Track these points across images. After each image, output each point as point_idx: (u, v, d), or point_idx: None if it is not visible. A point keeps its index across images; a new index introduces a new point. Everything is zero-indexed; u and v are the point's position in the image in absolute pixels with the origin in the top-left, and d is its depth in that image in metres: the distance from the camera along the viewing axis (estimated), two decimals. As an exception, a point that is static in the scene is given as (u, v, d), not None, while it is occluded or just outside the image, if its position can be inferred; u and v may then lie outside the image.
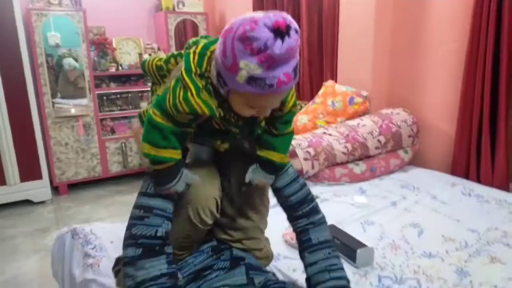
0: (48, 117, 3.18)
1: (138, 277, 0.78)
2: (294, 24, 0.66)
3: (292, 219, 1.02)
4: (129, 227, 0.84)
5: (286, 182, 1.00)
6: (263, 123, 0.90)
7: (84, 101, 3.28)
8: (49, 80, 3.14)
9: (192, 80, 0.75)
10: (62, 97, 3.20)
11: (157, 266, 0.79)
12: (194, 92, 0.76)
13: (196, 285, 0.89)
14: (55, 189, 3.33)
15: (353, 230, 1.52)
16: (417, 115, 2.34)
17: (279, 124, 0.91)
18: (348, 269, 1.30)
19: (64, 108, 3.21)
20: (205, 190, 0.92)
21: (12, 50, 2.86)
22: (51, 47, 3.11)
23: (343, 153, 2.08)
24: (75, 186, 3.44)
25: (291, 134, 0.96)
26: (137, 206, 0.86)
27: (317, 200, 1.83)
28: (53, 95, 3.17)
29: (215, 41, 0.77)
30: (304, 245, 0.99)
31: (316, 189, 1.98)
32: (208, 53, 0.77)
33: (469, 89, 2.06)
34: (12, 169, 2.98)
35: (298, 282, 1.21)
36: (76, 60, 3.21)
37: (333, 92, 2.49)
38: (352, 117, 2.38)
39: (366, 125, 2.22)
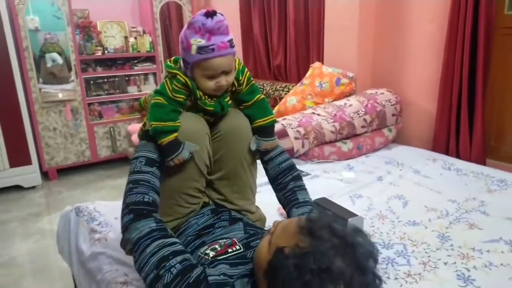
0: (35, 102, 3.16)
1: (134, 238, 0.87)
2: (220, 12, 0.98)
3: (280, 183, 1.19)
4: (123, 201, 0.97)
5: (277, 152, 1.22)
6: (229, 101, 1.14)
7: (70, 85, 3.26)
8: (35, 64, 3.11)
9: (174, 69, 1.08)
10: (45, 83, 3.17)
11: (147, 224, 0.88)
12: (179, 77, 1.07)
13: (201, 240, 1.00)
14: (45, 175, 3.34)
15: (343, 203, 1.61)
16: (400, 95, 2.44)
17: (245, 96, 1.15)
18: (340, 237, 1.40)
19: (51, 93, 3.19)
20: (197, 127, 1.08)
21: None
22: (31, 32, 3.05)
23: (332, 132, 2.17)
24: (65, 171, 3.45)
25: (263, 99, 1.17)
26: (127, 183, 0.99)
27: (308, 177, 1.95)
28: (39, 80, 3.14)
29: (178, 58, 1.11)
30: (292, 203, 1.15)
31: (306, 167, 2.07)
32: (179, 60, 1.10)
33: (448, 68, 2.17)
34: (1, 155, 2.97)
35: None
36: (60, 54, 3.16)
37: (320, 74, 2.56)
38: (339, 97, 2.46)
39: (353, 105, 2.31)
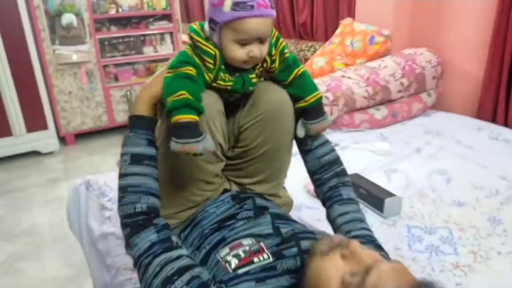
0: (50, 65, 3.04)
1: (135, 255, 0.75)
2: None
3: (319, 179, 0.99)
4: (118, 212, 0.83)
5: (320, 142, 0.99)
6: (254, 79, 0.91)
7: (85, 46, 3.11)
8: (47, 25, 2.96)
9: (203, 39, 0.86)
10: (61, 44, 3.04)
11: (146, 238, 0.76)
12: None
13: (221, 234, 0.84)
14: (62, 140, 3.28)
15: (377, 179, 1.45)
16: (442, 55, 2.18)
17: (281, 75, 0.93)
18: (375, 219, 1.25)
19: (65, 55, 3.06)
20: (208, 103, 0.87)
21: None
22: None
23: (364, 97, 1.96)
24: (82, 136, 3.38)
25: (302, 73, 0.94)
26: (117, 190, 0.84)
27: (337, 148, 1.77)
28: (52, 41, 3.00)
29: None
30: (334, 199, 0.96)
31: (334, 136, 1.89)
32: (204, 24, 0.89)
33: (501, 26, 1.89)
34: (17, 120, 2.90)
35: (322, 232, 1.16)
36: (77, 15, 3.00)
37: (351, 31, 2.31)
38: (372, 58, 2.22)
39: (388, 66, 2.07)
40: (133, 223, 0.78)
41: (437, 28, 2.24)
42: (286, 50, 0.93)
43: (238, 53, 0.83)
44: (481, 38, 2.02)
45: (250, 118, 0.93)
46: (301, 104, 0.93)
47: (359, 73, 2.05)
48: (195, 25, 0.87)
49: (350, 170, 1.46)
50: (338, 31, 2.40)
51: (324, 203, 0.99)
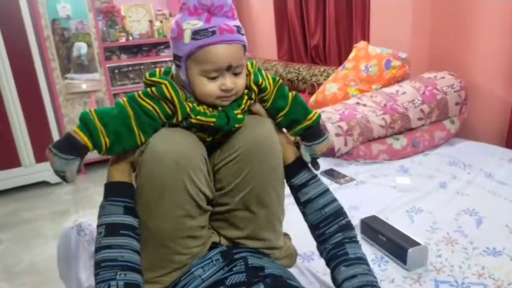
0: (59, 94, 3.02)
1: None
2: None
3: (322, 234, 0.86)
4: None
5: (319, 191, 0.87)
6: (240, 115, 0.81)
7: (94, 75, 3.09)
8: (57, 55, 2.96)
9: (154, 75, 0.81)
10: (75, 72, 3.04)
11: None
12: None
13: None
14: (72, 169, 3.23)
15: (398, 221, 1.29)
16: (465, 79, 2.02)
17: (280, 102, 0.86)
18: (397, 271, 1.09)
19: (75, 84, 3.04)
20: (187, 148, 0.77)
21: (16, 24, 2.67)
22: (64, 20, 2.92)
23: (381, 126, 1.82)
24: (92, 165, 3.32)
25: (296, 95, 0.88)
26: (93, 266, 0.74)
27: (353, 183, 1.62)
28: (64, 71, 2.99)
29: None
30: (339, 259, 0.82)
31: (350, 170, 1.74)
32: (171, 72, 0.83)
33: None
34: (26, 150, 2.87)
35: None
36: (89, 45, 3.03)
37: (366, 55, 2.19)
38: (389, 83, 2.09)
39: (407, 92, 1.93)
40: None
41: (458, 49, 2.10)
42: (276, 78, 0.85)
43: (208, 87, 0.75)
44: (508, 58, 1.87)
45: (225, 155, 0.82)
46: (306, 123, 0.86)
47: (375, 100, 1.92)
48: (158, 72, 0.82)
49: (369, 209, 1.35)
50: (351, 55, 2.28)
51: (328, 263, 0.84)
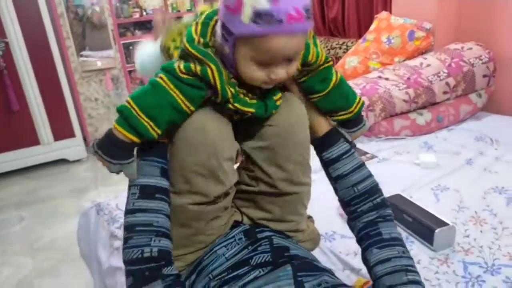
0: (75, 72, 3.01)
1: None
2: None
3: (354, 211, 0.80)
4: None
5: (353, 166, 0.80)
6: (279, 101, 0.75)
7: (110, 52, 3.06)
8: (71, 32, 2.93)
9: (196, 48, 0.67)
10: (90, 49, 3.01)
11: None
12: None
13: None
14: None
15: (423, 199, 1.25)
16: (494, 50, 1.92)
17: (315, 85, 0.78)
18: (423, 252, 1.05)
19: (90, 62, 3.02)
20: (219, 136, 0.72)
21: (30, 2, 2.63)
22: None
23: (404, 100, 1.74)
24: (110, 142, 3.34)
25: (340, 82, 0.79)
26: (123, 228, 0.70)
27: (374, 161, 1.57)
28: (79, 48, 2.97)
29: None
30: (372, 240, 0.76)
31: (372, 146, 1.69)
32: (212, 22, 0.69)
33: None
34: (44, 129, 2.90)
35: (361, 272, 0.98)
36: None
37: (388, 26, 2.08)
38: (412, 55, 1.99)
39: (431, 65, 1.84)
40: (138, 272, 0.65)
41: (487, 18, 1.97)
42: (324, 57, 0.75)
43: (257, 73, 0.66)
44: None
45: (255, 140, 0.78)
46: (345, 115, 0.81)
47: (398, 73, 1.84)
48: (195, 27, 0.68)
49: (392, 187, 1.30)
50: (373, 26, 2.18)
51: (359, 242, 0.80)
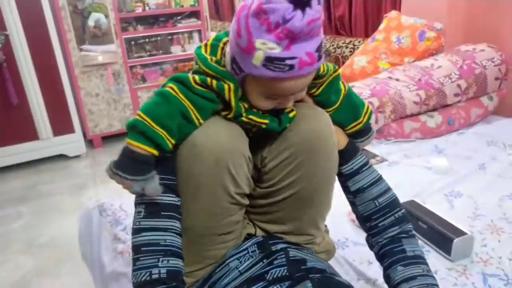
0: (75, 67, 2.95)
1: None
2: None
3: (375, 227, 0.77)
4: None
5: (373, 179, 0.78)
6: (292, 114, 0.72)
7: (111, 47, 3.00)
8: (73, 26, 2.86)
9: (213, 67, 0.65)
10: (90, 44, 2.94)
11: None
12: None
13: None
14: (89, 143, 3.20)
15: (437, 206, 1.20)
16: (506, 52, 1.87)
17: (328, 98, 0.76)
18: (439, 262, 1.02)
19: (91, 56, 2.96)
20: (230, 143, 0.68)
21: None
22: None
23: (415, 102, 1.70)
24: (110, 138, 3.28)
25: (349, 91, 0.79)
26: (131, 249, 0.67)
27: (384, 164, 1.53)
28: (79, 42, 2.91)
29: (227, 34, 0.68)
30: (396, 257, 0.74)
31: (381, 149, 1.65)
32: (221, 44, 0.69)
33: None
34: (43, 124, 2.84)
35: (377, 283, 0.94)
36: (106, 16, 2.91)
37: (398, 26, 2.04)
38: (423, 56, 1.95)
39: (443, 66, 1.80)
40: None
41: (499, 19, 1.93)
42: (334, 69, 0.73)
43: (264, 104, 0.67)
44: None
45: (275, 152, 0.72)
46: (356, 127, 0.79)
47: (408, 74, 1.79)
48: (204, 45, 0.69)
49: (403, 193, 1.24)
50: (382, 25, 2.13)
51: (381, 258, 0.77)
